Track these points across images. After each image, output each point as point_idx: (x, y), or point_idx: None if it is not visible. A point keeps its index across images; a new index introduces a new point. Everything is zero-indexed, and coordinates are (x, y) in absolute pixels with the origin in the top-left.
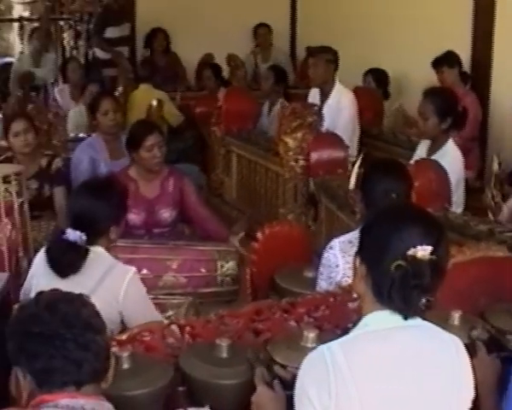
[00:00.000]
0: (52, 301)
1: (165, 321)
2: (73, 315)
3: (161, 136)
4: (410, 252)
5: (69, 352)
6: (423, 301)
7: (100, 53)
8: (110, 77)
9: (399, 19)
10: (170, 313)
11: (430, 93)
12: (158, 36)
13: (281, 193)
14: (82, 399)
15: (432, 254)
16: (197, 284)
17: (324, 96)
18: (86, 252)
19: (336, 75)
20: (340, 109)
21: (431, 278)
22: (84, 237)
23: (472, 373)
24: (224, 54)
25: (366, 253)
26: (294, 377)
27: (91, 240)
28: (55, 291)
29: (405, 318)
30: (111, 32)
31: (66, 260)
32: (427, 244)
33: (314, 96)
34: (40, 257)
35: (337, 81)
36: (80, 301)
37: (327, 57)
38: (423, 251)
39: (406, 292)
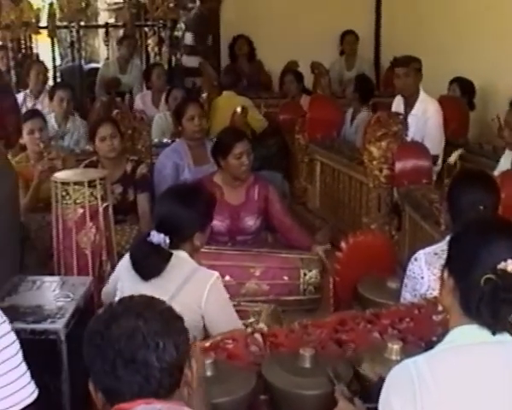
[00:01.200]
0: (119, 315)
1: (248, 329)
2: (146, 331)
3: (249, 143)
4: (501, 266)
5: (135, 371)
6: None
7: (187, 60)
8: (193, 84)
9: (485, 27)
10: (251, 319)
11: None
12: (241, 43)
13: (364, 202)
14: (158, 404)
15: None
16: (279, 292)
17: (409, 105)
18: (169, 255)
19: (420, 85)
20: (426, 119)
21: None
22: (167, 241)
23: None
24: (309, 61)
25: (454, 265)
26: (377, 389)
27: (175, 245)
28: (131, 301)
29: (493, 333)
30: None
31: (149, 263)
32: None
33: (398, 105)
34: (125, 260)
35: (421, 90)
36: (154, 312)
37: (416, 66)
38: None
39: (495, 306)
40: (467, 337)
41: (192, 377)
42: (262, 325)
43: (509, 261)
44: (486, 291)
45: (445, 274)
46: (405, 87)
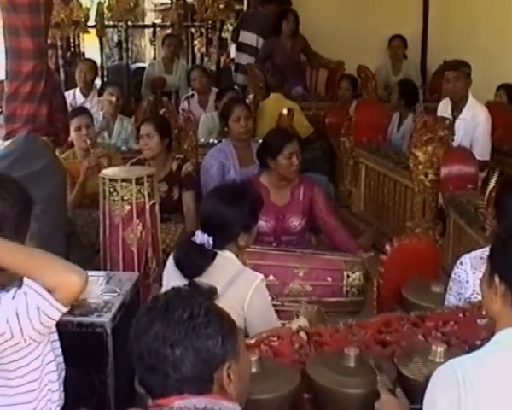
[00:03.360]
0: (156, 312)
1: (293, 327)
2: (175, 326)
3: (299, 145)
4: None
5: (154, 373)
6: None
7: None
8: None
9: None
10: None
11: None
12: (290, 17)
13: (409, 206)
14: (194, 398)
15: None
16: (323, 293)
17: (457, 110)
18: (213, 256)
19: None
20: (476, 124)
21: None
22: (211, 241)
23: None
24: (355, 63)
25: (505, 270)
26: (421, 390)
27: (220, 245)
28: (171, 298)
29: None
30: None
31: (191, 262)
32: None
33: (444, 109)
34: (171, 260)
35: (470, 95)
36: (181, 316)
37: (466, 70)
38: None
39: None
40: None
41: (228, 382)
42: (302, 319)
43: None
44: None
45: (496, 280)
46: (455, 91)
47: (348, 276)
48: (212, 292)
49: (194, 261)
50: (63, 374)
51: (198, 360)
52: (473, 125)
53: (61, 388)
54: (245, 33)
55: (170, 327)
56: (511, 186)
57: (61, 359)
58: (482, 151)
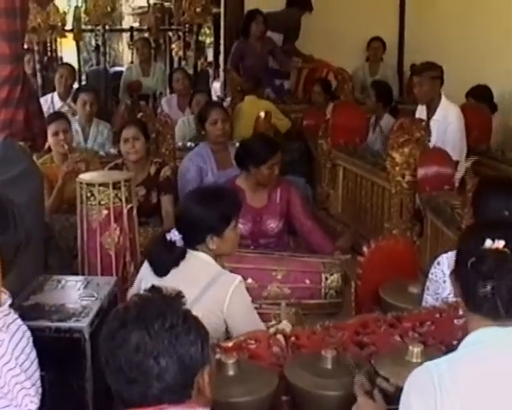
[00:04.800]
0: (131, 320)
1: (271, 330)
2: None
3: (281, 154)
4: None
5: (135, 383)
6: None
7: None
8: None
9: (510, 32)
10: (273, 322)
11: None
12: (259, 20)
13: (386, 208)
14: (169, 407)
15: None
16: (301, 296)
17: (431, 111)
18: (183, 253)
19: (442, 90)
20: (447, 124)
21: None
22: (181, 239)
23: None
24: (333, 65)
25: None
26: (398, 391)
27: (189, 243)
28: (147, 304)
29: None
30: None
31: (161, 258)
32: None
33: (421, 112)
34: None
35: (443, 96)
36: (164, 325)
37: (432, 74)
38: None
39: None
40: (486, 340)
41: (204, 385)
42: (284, 323)
43: (487, 241)
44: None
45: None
46: (421, 95)
47: (326, 278)
48: (180, 296)
49: (163, 258)
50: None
51: (181, 368)
52: (445, 126)
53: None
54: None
55: (152, 338)
56: (488, 186)
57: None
58: (454, 151)
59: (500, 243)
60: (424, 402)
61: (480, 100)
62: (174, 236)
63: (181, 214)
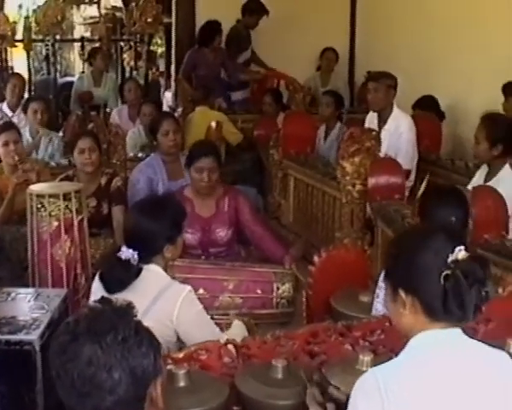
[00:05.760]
0: (82, 332)
1: (221, 340)
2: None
3: (215, 161)
4: (451, 258)
5: (88, 397)
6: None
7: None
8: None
9: (459, 44)
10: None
11: (485, 119)
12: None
13: (337, 217)
14: None
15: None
16: (253, 305)
17: (382, 121)
18: (138, 271)
19: (394, 101)
20: (399, 134)
21: (481, 269)
22: (136, 257)
23: None
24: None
25: (407, 282)
26: (347, 400)
27: (145, 258)
28: (99, 316)
29: (463, 330)
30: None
31: (115, 277)
32: (458, 245)
33: (371, 120)
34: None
35: (395, 106)
36: (116, 339)
37: (388, 82)
38: (460, 252)
39: (461, 297)
40: (430, 343)
41: (156, 396)
42: (235, 322)
43: (456, 250)
44: (449, 287)
45: (401, 293)
46: (375, 102)
47: (278, 288)
48: (131, 308)
49: (118, 276)
50: None
51: (134, 381)
52: (397, 136)
53: None
54: None
55: (105, 351)
56: (434, 195)
57: None
58: (405, 160)
59: (462, 252)
60: (370, 406)
61: (426, 110)
62: (128, 254)
63: (133, 231)
